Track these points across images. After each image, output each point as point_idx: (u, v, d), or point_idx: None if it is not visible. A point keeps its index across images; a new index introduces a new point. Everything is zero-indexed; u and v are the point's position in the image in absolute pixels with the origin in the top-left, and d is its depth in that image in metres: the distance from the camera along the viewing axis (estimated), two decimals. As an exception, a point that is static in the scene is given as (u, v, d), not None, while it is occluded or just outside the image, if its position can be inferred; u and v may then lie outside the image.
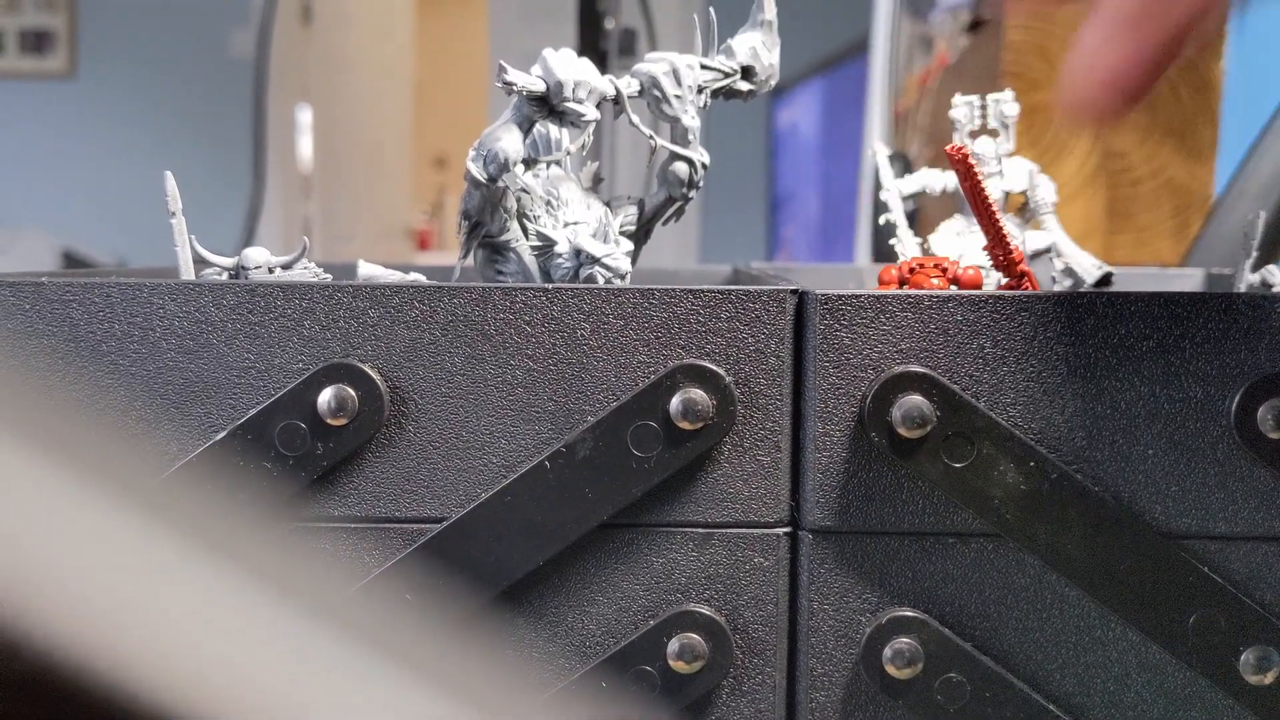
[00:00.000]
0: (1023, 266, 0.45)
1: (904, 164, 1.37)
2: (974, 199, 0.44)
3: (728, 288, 0.42)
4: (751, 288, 0.42)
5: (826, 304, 0.41)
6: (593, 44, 1.33)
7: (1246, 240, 0.54)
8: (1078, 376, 0.41)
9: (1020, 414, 0.41)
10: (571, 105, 0.47)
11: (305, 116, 4.15)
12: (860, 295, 0.41)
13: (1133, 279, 0.71)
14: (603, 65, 1.32)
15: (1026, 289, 0.45)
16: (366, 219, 4.61)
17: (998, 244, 0.45)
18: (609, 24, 1.31)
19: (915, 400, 0.41)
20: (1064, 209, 1.34)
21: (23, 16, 4.03)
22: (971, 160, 0.43)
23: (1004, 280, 0.46)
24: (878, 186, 0.63)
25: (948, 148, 0.45)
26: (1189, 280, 0.74)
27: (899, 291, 0.41)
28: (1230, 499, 0.41)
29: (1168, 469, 0.41)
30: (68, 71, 4.04)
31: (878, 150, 0.64)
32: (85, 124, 4.05)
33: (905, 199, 0.62)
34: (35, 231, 3.71)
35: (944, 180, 0.63)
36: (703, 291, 0.42)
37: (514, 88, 0.47)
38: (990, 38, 1.44)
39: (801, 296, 0.42)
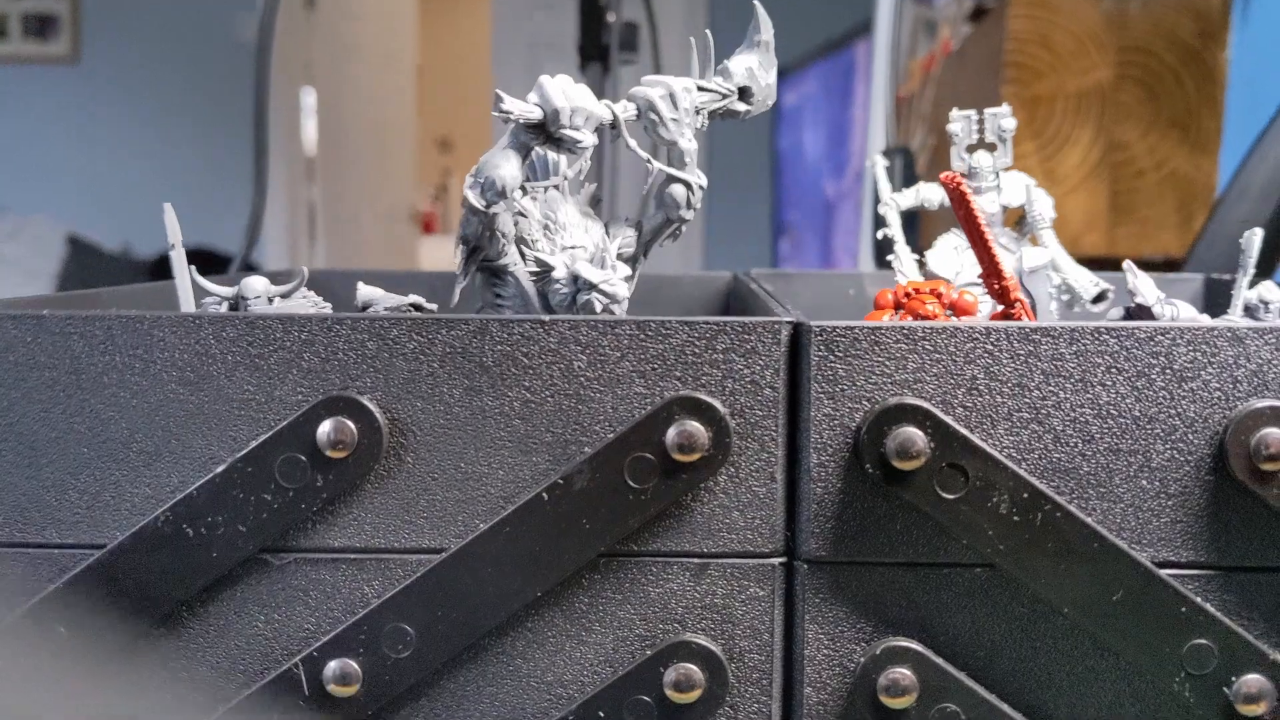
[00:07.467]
0: (1015, 295, 0.45)
1: (906, 158, 1.37)
2: (968, 227, 0.45)
3: (723, 319, 0.42)
4: (747, 320, 0.42)
5: (822, 335, 0.42)
6: (594, 37, 1.33)
7: (1243, 258, 0.54)
8: (1069, 407, 0.41)
9: (1013, 445, 0.42)
10: (568, 132, 0.48)
11: (310, 99, 4.14)
12: (855, 327, 0.41)
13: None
14: (604, 59, 1.32)
15: (1019, 317, 0.45)
16: (371, 201, 4.60)
17: (992, 273, 0.45)
18: (610, 18, 1.31)
19: (909, 432, 0.41)
20: (1067, 202, 1.34)
21: (26, 1, 4.02)
22: (965, 190, 0.44)
23: (997, 308, 0.46)
24: (877, 199, 0.64)
25: (942, 176, 0.45)
26: (1188, 285, 0.74)
27: (894, 324, 0.41)
28: (1222, 530, 0.42)
29: (1159, 500, 0.42)
30: (71, 56, 4.03)
31: (876, 163, 0.64)
32: (89, 108, 4.04)
33: (903, 213, 0.62)
34: (41, 217, 3.72)
35: (942, 194, 0.63)
36: (699, 323, 0.42)
37: (511, 116, 0.47)
38: (994, 26, 1.44)
39: (796, 328, 0.42)
